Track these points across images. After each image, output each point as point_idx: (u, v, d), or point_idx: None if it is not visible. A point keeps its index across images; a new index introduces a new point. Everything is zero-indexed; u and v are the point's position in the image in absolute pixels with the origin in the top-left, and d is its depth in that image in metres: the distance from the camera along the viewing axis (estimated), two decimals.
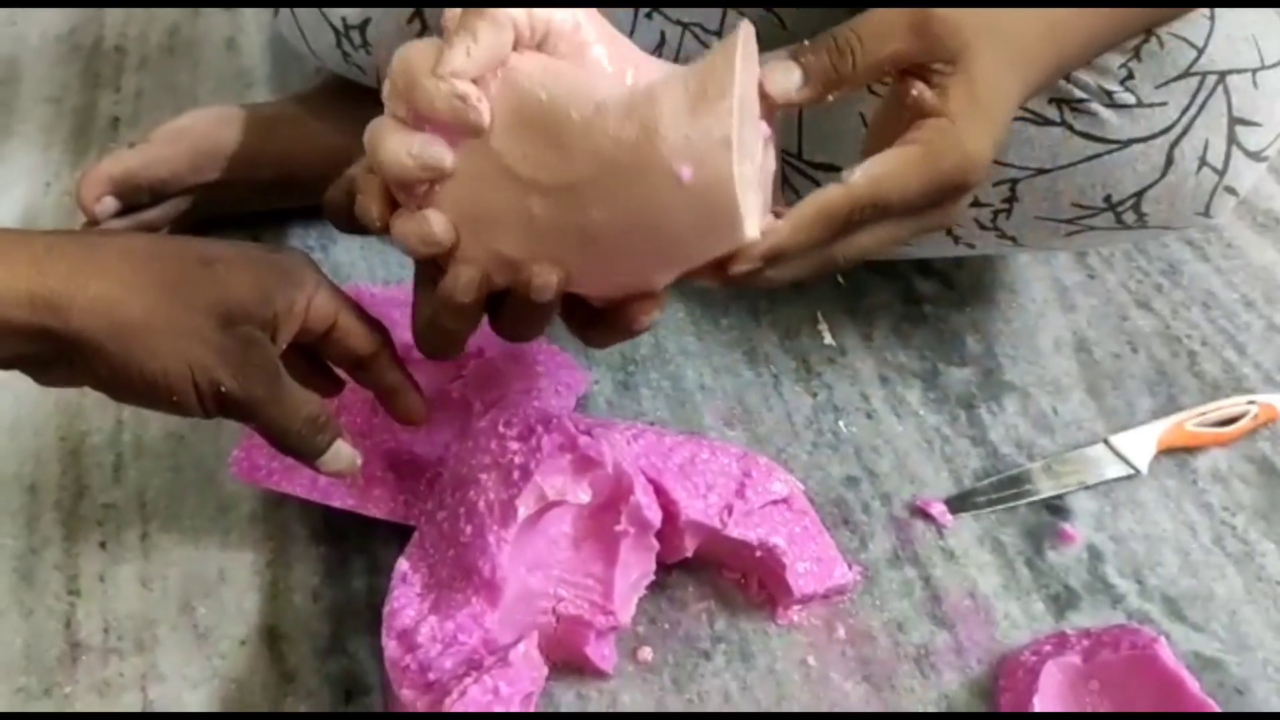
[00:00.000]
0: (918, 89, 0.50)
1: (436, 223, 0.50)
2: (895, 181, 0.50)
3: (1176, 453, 0.76)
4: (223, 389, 0.51)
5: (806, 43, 0.50)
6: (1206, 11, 0.69)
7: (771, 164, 0.53)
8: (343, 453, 0.56)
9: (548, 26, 0.49)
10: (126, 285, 0.49)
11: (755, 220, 0.48)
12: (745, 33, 0.48)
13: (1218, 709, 0.59)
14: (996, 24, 0.51)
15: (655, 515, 0.62)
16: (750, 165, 0.49)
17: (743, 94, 0.47)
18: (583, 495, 0.60)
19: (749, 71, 0.49)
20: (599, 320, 0.55)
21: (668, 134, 0.46)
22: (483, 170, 0.49)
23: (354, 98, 0.86)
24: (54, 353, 0.49)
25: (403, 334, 0.67)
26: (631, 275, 0.51)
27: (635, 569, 0.64)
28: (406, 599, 0.60)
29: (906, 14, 0.50)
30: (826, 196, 0.50)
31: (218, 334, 0.50)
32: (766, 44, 0.51)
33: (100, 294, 0.48)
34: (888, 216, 0.51)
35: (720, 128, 0.45)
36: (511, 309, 0.54)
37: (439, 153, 0.49)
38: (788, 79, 0.50)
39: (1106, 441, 0.76)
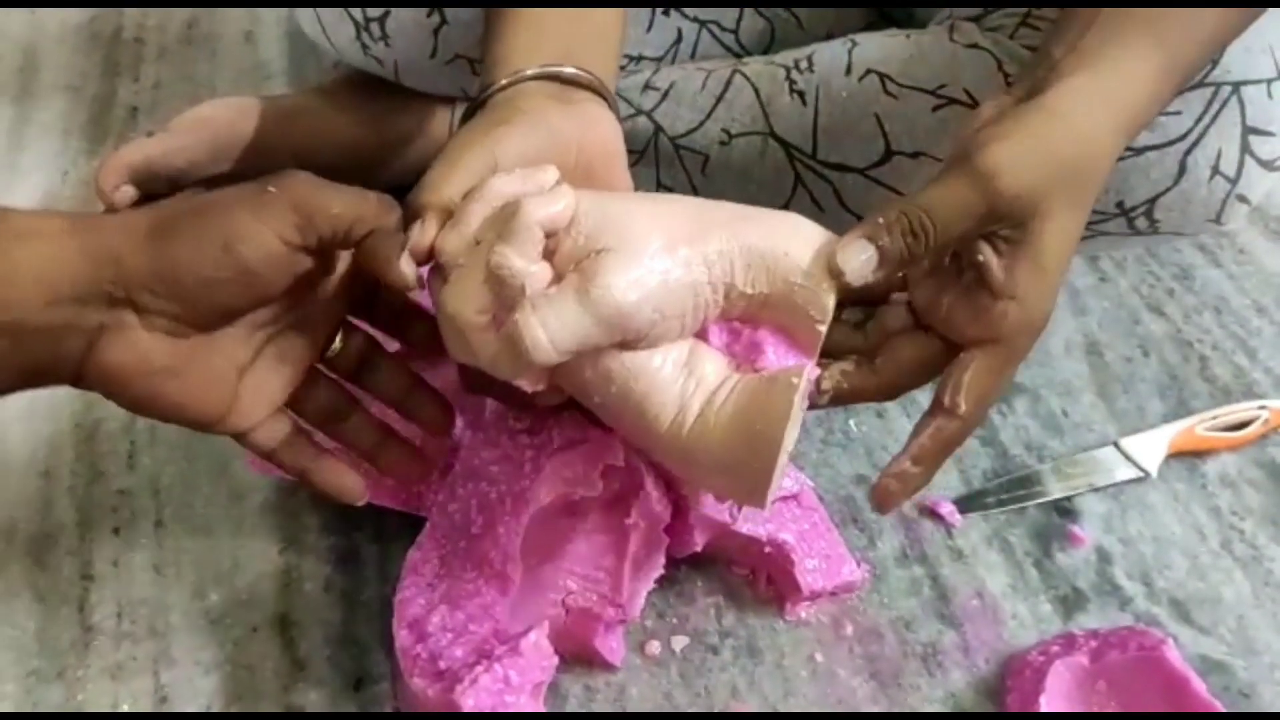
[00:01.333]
0: (985, 255, 0.49)
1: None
2: (992, 390, 0.52)
3: (1186, 456, 0.76)
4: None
5: (880, 219, 0.48)
6: None
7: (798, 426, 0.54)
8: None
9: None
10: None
11: (775, 489, 0.50)
12: (802, 373, 0.48)
13: (1223, 710, 0.59)
14: (1065, 179, 0.49)
15: (666, 509, 0.63)
16: (785, 457, 0.51)
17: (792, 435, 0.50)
18: (594, 488, 0.60)
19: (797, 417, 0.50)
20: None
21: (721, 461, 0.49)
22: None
23: (372, 91, 0.87)
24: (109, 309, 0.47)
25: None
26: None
27: (645, 562, 0.64)
28: (417, 588, 0.60)
29: (978, 193, 0.48)
30: (948, 433, 0.52)
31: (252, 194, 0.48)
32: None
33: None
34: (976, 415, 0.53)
35: (776, 462, 0.48)
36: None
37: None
38: (863, 262, 0.48)
39: (1116, 444, 0.76)
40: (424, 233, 0.48)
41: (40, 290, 0.45)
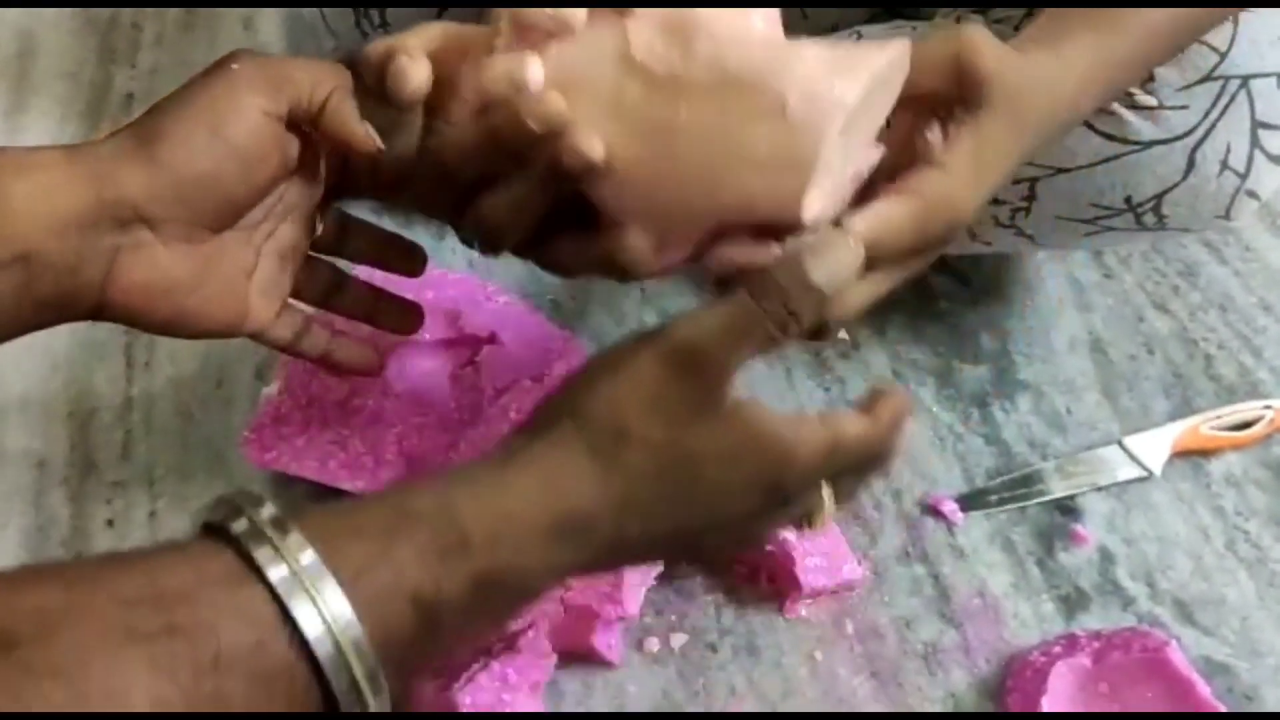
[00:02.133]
0: (934, 134, 0.50)
1: (534, 69, 0.47)
2: (892, 234, 0.49)
3: (1191, 456, 0.76)
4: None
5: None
6: (1230, 16, 0.68)
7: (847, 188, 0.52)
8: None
9: None
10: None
11: (817, 208, 0.47)
12: (901, 49, 0.48)
13: (1226, 713, 0.59)
14: (1028, 83, 0.51)
15: None
16: (844, 158, 0.48)
17: (873, 97, 0.47)
18: None
19: (888, 89, 0.49)
20: (585, 244, 0.53)
21: (795, 73, 0.45)
22: (602, 42, 0.48)
23: None
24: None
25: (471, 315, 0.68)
26: (676, 194, 0.49)
27: None
28: None
29: (952, 55, 0.50)
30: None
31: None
32: (788, 32, 0.51)
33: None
34: (877, 269, 0.50)
35: (846, 92, 0.45)
36: (522, 186, 0.50)
37: (576, 12, 0.48)
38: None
39: (1120, 443, 0.75)
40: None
41: (45, 220, 0.45)
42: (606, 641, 0.62)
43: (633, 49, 0.47)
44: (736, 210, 0.48)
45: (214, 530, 0.36)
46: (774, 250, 0.48)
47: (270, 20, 1.06)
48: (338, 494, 0.67)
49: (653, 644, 0.65)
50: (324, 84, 0.49)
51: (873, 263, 0.49)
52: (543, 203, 0.50)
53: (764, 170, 0.46)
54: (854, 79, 0.45)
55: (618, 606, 0.61)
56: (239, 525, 0.36)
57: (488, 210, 0.50)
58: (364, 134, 0.48)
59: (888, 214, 0.49)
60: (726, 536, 0.47)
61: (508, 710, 0.53)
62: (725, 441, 0.44)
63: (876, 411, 0.48)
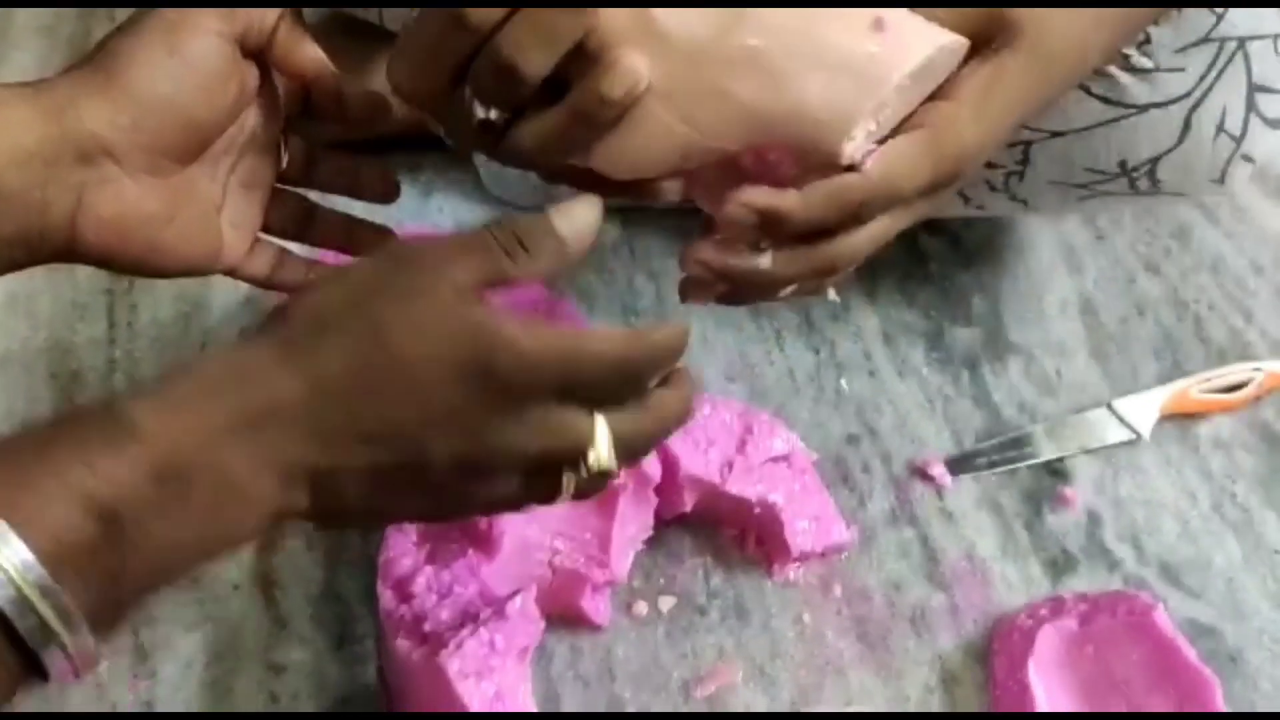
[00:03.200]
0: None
1: None
2: (907, 169, 0.48)
3: (1179, 419, 0.76)
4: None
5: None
6: None
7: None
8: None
9: None
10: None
11: (853, 148, 0.46)
12: (960, 44, 0.48)
13: (1212, 676, 0.59)
14: (1060, 28, 0.50)
15: (654, 470, 0.62)
16: (887, 116, 0.47)
17: (926, 70, 0.47)
18: None
19: (935, 76, 0.48)
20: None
21: (887, 13, 0.46)
22: None
23: (353, 36, 0.84)
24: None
25: None
26: (728, 114, 0.46)
27: (633, 523, 0.63)
28: (402, 548, 0.59)
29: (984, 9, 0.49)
30: (842, 181, 0.47)
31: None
32: None
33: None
34: (893, 207, 0.49)
35: (933, 39, 0.46)
36: (558, 116, 0.48)
37: None
38: None
39: (1109, 405, 0.75)
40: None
41: (6, 156, 0.44)
42: (595, 605, 0.62)
43: None
44: (783, 123, 0.46)
45: None
46: (792, 196, 0.46)
47: None
48: None
49: (641, 607, 0.65)
50: (272, 11, 0.49)
51: (891, 202, 0.48)
52: (580, 130, 0.48)
53: (831, 83, 0.45)
54: (944, 33, 0.46)
55: (605, 570, 0.61)
56: None
57: (519, 140, 0.48)
58: (315, 58, 0.49)
59: (898, 150, 0.48)
60: (455, 442, 0.40)
61: (495, 674, 0.53)
62: (425, 314, 0.40)
63: (642, 333, 0.43)
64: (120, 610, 0.37)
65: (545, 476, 0.43)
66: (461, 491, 0.42)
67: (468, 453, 0.41)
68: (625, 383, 0.43)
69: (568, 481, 0.43)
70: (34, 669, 0.35)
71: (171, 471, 0.36)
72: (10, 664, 0.34)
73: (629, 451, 0.44)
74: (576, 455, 0.42)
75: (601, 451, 0.42)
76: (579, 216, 0.44)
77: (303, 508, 0.40)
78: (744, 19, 0.45)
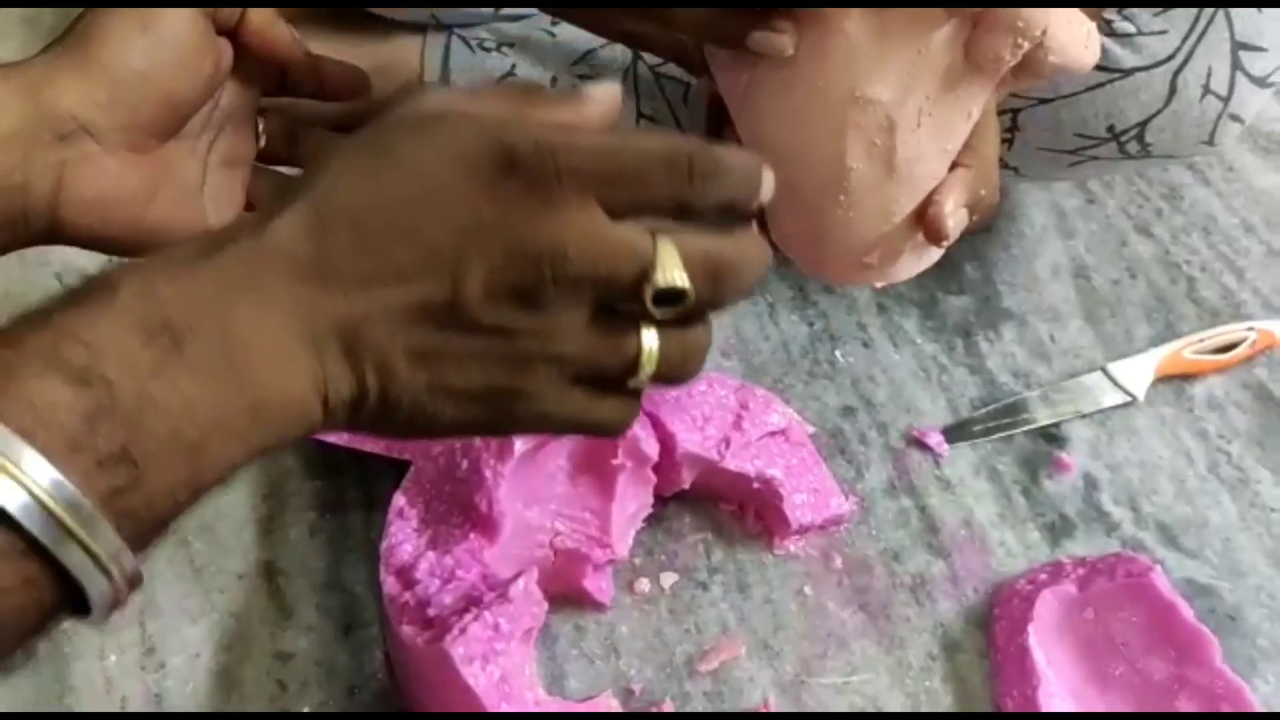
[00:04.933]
0: None
1: None
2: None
3: (1174, 380, 0.76)
4: None
5: None
6: None
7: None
8: None
9: None
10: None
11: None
12: None
13: (1211, 636, 0.60)
14: None
15: (652, 448, 0.62)
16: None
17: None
18: None
19: None
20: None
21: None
22: None
23: (338, 21, 0.84)
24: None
25: None
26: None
27: (632, 502, 0.63)
28: (404, 534, 0.60)
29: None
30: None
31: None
32: None
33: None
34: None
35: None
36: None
37: None
38: None
39: (1104, 369, 0.76)
40: None
41: None
42: (597, 584, 0.63)
43: None
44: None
45: None
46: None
47: None
48: (323, 445, 0.66)
49: (643, 584, 0.65)
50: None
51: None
52: None
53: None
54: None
55: (607, 549, 0.62)
56: None
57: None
58: (287, 36, 0.50)
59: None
60: (491, 256, 0.34)
61: (501, 657, 0.53)
62: (424, 109, 0.36)
63: (697, 138, 0.37)
64: (152, 508, 0.32)
65: (613, 328, 0.36)
66: (517, 346, 0.35)
67: (507, 268, 0.34)
68: (679, 184, 0.35)
69: (648, 338, 0.36)
70: (69, 600, 0.31)
71: (162, 325, 0.31)
72: (41, 584, 0.30)
73: (707, 272, 0.35)
74: (638, 278, 0.34)
75: (669, 267, 0.34)
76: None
77: (347, 390, 0.34)
78: None
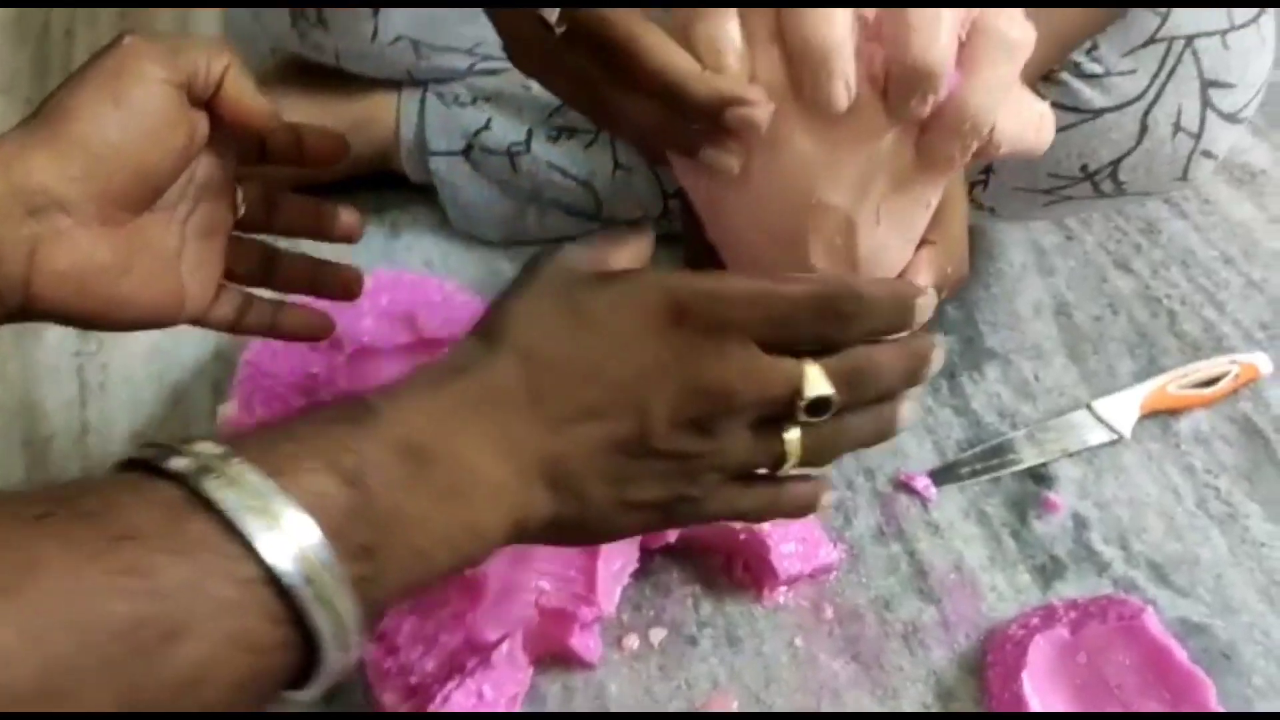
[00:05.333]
0: None
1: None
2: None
3: (1159, 415, 0.76)
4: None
5: None
6: None
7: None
8: None
9: None
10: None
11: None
12: None
13: (1205, 678, 0.59)
14: None
15: None
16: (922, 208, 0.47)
17: None
18: None
19: None
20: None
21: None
22: None
23: (313, 77, 0.84)
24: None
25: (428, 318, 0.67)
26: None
27: (618, 557, 0.63)
28: None
29: None
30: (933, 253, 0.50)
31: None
32: None
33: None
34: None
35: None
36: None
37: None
38: None
39: (1089, 407, 0.75)
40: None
41: None
42: (585, 643, 0.62)
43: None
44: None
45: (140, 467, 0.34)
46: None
47: (206, 21, 1.04)
48: None
49: (632, 641, 0.64)
50: (218, 58, 0.49)
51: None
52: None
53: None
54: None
55: (593, 607, 0.61)
56: (143, 452, 0.34)
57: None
58: (263, 107, 0.49)
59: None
60: (671, 393, 0.40)
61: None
62: (603, 278, 0.42)
63: (848, 277, 0.43)
64: (376, 599, 0.36)
65: (767, 434, 0.42)
66: (692, 464, 0.42)
67: (685, 404, 0.40)
68: (825, 324, 0.41)
69: (791, 438, 0.42)
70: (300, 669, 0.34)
71: (412, 448, 0.37)
72: (282, 624, 0.32)
73: (850, 381, 0.41)
74: (791, 396, 0.41)
75: (816, 385, 0.41)
76: None
77: (546, 512, 0.40)
78: None
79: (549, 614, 0.61)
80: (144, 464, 0.34)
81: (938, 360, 0.44)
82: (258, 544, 0.32)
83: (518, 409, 0.39)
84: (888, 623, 0.66)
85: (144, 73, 0.47)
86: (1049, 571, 0.68)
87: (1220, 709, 0.58)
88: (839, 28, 0.40)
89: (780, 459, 0.43)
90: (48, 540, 0.30)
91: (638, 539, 0.63)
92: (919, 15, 0.40)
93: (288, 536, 0.32)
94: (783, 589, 0.66)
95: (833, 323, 0.41)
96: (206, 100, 0.49)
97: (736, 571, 0.67)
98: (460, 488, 0.38)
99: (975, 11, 0.41)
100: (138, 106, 0.46)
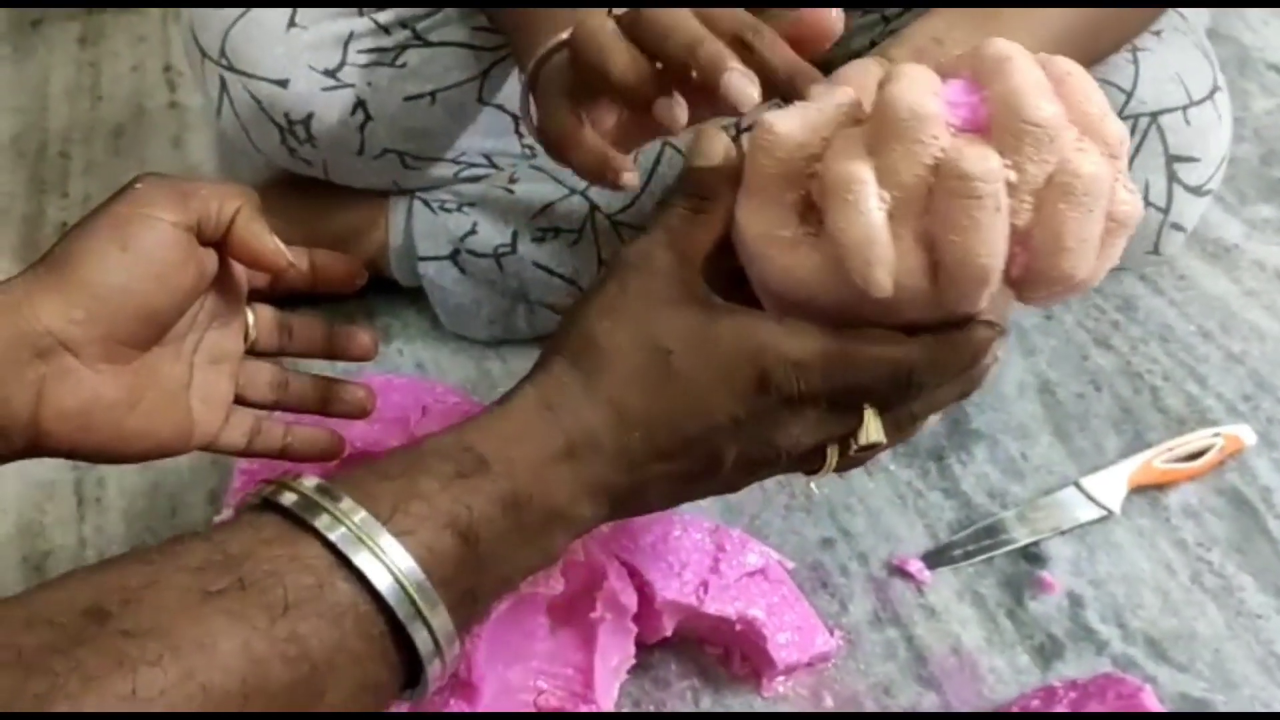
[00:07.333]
0: None
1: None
2: None
3: (1148, 490, 0.76)
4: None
5: None
6: (1129, 55, 0.70)
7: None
8: None
9: None
10: None
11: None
12: None
13: None
14: None
15: (631, 599, 0.62)
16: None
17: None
18: (556, 585, 0.59)
19: None
20: None
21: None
22: None
23: (304, 190, 0.86)
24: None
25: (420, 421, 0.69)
26: None
27: (615, 654, 0.63)
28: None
29: None
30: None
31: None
32: None
33: None
34: None
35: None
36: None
37: None
38: None
39: (1078, 484, 0.76)
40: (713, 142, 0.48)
41: None
42: None
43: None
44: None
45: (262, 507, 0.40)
46: None
47: (199, 139, 1.07)
48: None
49: None
50: (230, 201, 0.50)
51: None
52: None
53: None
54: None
55: (591, 704, 0.61)
56: (286, 498, 0.39)
57: None
58: (273, 250, 0.50)
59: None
60: (740, 447, 0.45)
61: None
62: (691, 326, 0.44)
63: (924, 340, 0.44)
64: (468, 625, 0.42)
65: (814, 453, 0.47)
66: (746, 478, 0.47)
67: (753, 452, 0.45)
68: (896, 389, 0.45)
69: (831, 454, 0.47)
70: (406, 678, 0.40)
71: (517, 501, 0.42)
72: (396, 666, 0.39)
73: (901, 428, 0.47)
74: (848, 438, 0.46)
75: (871, 432, 0.45)
76: None
77: (604, 517, 0.45)
78: None
79: (548, 713, 0.61)
80: (285, 511, 0.39)
81: (994, 366, 0.47)
82: (391, 602, 0.38)
83: (605, 458, 0.43)
84: (888, 709, 0.66)
85: (153, 216, 0.48)
86: (1047, 651, 0.68)
87: None
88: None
89: (816, 471, 0.48)
90: (220, 617, 0.35)
91: (633, 634, 0.63)
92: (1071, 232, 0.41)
93: (408, 593, 0.38)
94: (781, 679, 0.66)
95: (904, 389, 0.45)
96: (217, 241, 0.50)
97: (735, 663, 0.67)
98: (549, 528, 0.43)
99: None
100: (145, 250, 0.48)
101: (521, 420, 0.43)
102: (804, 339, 0.43)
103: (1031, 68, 0.40)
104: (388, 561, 0.38)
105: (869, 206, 0.41)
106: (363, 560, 0.37)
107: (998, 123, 0.40)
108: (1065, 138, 0.40)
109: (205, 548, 0.37)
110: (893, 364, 0.44)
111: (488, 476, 0.41)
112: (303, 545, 0.38)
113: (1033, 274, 0.42)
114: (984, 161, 0.39)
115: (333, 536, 0.37)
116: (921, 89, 0.40)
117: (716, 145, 0.48)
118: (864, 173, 0.41)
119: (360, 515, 0.38)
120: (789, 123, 0.43)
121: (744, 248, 0.45)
